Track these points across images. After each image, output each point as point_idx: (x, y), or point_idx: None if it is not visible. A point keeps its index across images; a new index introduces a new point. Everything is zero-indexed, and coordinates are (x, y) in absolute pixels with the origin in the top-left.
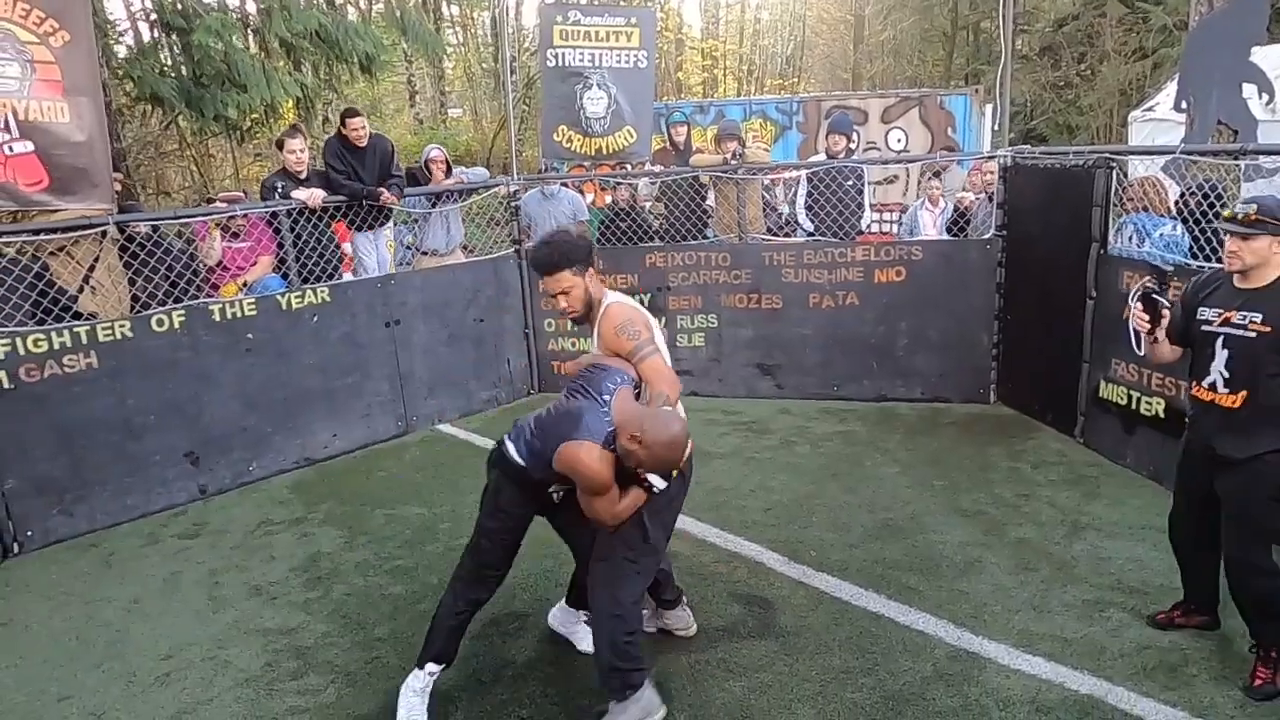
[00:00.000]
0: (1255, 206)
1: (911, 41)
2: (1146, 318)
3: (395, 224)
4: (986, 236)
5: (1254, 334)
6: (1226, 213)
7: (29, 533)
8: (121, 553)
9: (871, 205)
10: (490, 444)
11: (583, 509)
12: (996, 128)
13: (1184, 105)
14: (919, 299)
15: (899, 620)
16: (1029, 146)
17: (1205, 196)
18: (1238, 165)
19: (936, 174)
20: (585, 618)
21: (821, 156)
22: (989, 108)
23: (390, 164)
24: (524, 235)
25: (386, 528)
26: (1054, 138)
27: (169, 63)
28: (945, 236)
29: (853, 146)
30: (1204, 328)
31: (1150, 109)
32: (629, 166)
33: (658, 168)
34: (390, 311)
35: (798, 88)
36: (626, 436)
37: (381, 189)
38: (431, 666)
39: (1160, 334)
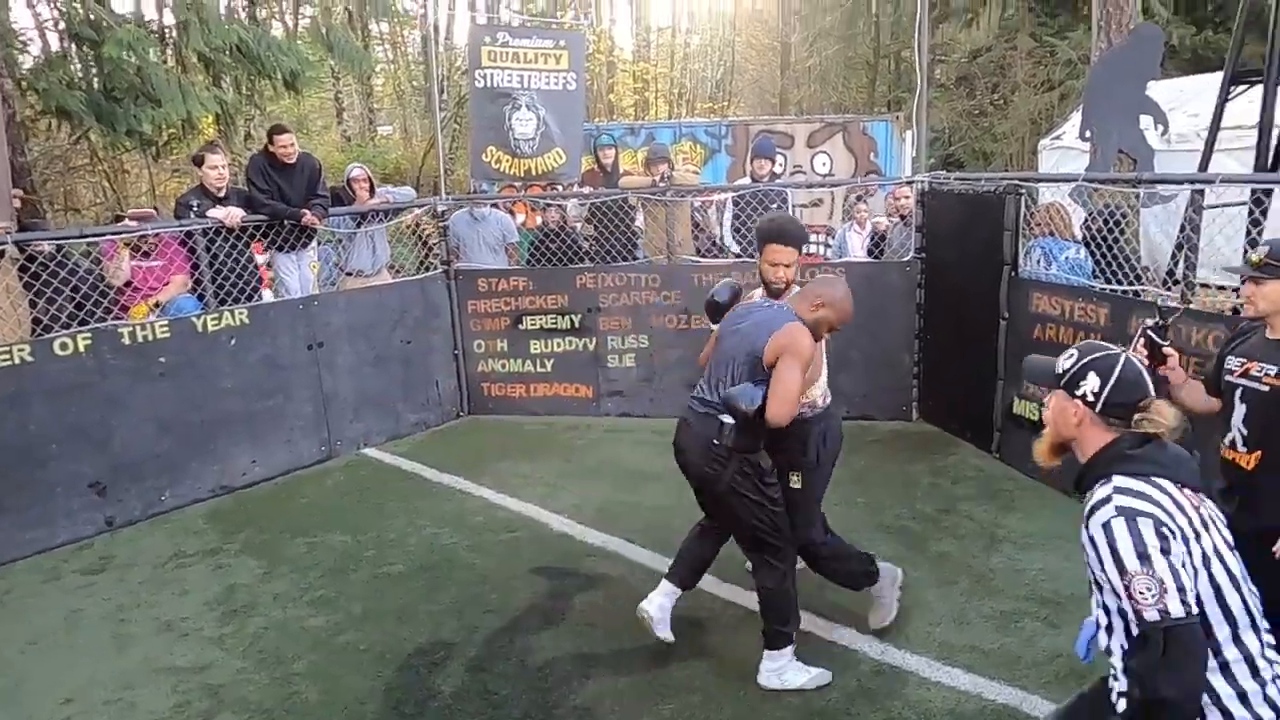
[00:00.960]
0: (1267, 250)
1: (836, 69)
2: (1145, 353)
3: (320, 244)
4: (906, 259)
5: (1267, 388)
6: (1249, 256)
7: None
8: (18, 590)
9: None
10: (417, 467)
11: (774, 401)
12: (915, 154)
13: (1088, 135)
14: None
15: (825, 637)
16: (944, 172)
17: (1106, 221)
18: (1136, 192)
19: (861, 197)
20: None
21: (747, 180)
22: (909, 134)
23: (316, 183)
24: (453, 256)
25: (308, 556)
26: (971, 163)
27: (79, 75)
28: (856, 258)
29: (777, 170)
30: (1226, 378)
31: (1058, 137)
32: (560, 187)
33: (587, 189)
34: (314, 333)
35: (727, 111)
36: (811, 306)
37: (304, 210)
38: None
39: (1174, 375)
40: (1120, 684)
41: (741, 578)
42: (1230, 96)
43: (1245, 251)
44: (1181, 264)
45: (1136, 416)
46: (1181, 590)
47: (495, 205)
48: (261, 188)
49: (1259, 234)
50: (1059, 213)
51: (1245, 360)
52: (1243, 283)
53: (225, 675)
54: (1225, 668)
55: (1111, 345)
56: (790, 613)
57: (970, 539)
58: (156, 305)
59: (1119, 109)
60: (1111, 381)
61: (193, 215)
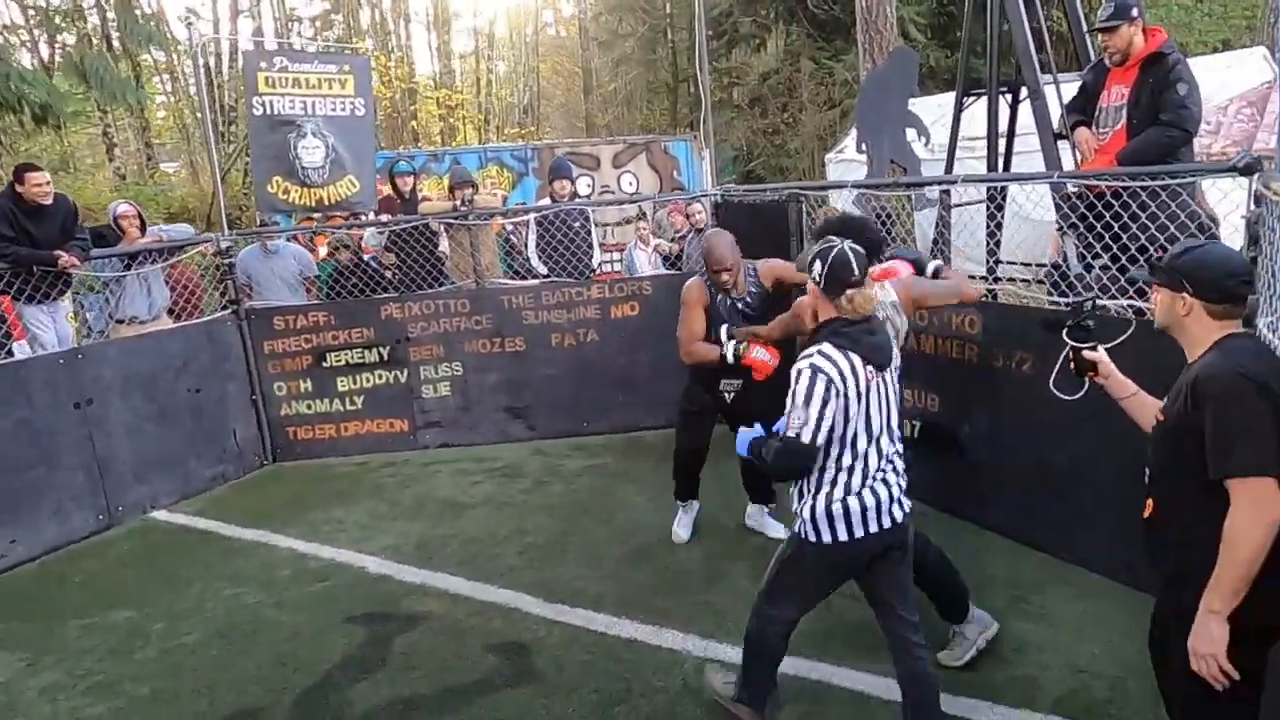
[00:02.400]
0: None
1: (640, 92)
2: (1073, 366)
3: (77, 293)
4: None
5: (1157, 421)
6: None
7: None
8: None
9: (605, 245)
10: (215, 525)
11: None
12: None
13: (863, 147)
14: (654, 330)
15: (651, 642)
16: (734, 185)
17: (881, 221)
18: (909, 195)
19: (644, 215)
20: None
21: (547, 201)
22: (707, 152)
23: (73, 225)
24: (243, 295)
25: (83, 640)
26: (771, 178)
27: None
28: (659, 271)
29: (585, 190)
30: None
31: (841, 151)
32: (363, 216)
33: (385, 217)
34: (80, 390)
35: (537, 135)
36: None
37: (59, 251)
38: None
39: (1113, 385)
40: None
41: (571, 596)
42: (964, 107)
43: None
44: (939, 257)
45: (842, 298)
46: (817, 430)
47: (294, 238)
48: (7, 235)
49: (996, 227)
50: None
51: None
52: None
53: None
54: (851, 469)
55: (843, 227)
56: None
57: (785, 530)
58: None
59: (887, 123)
60: (826, 266)
61: None
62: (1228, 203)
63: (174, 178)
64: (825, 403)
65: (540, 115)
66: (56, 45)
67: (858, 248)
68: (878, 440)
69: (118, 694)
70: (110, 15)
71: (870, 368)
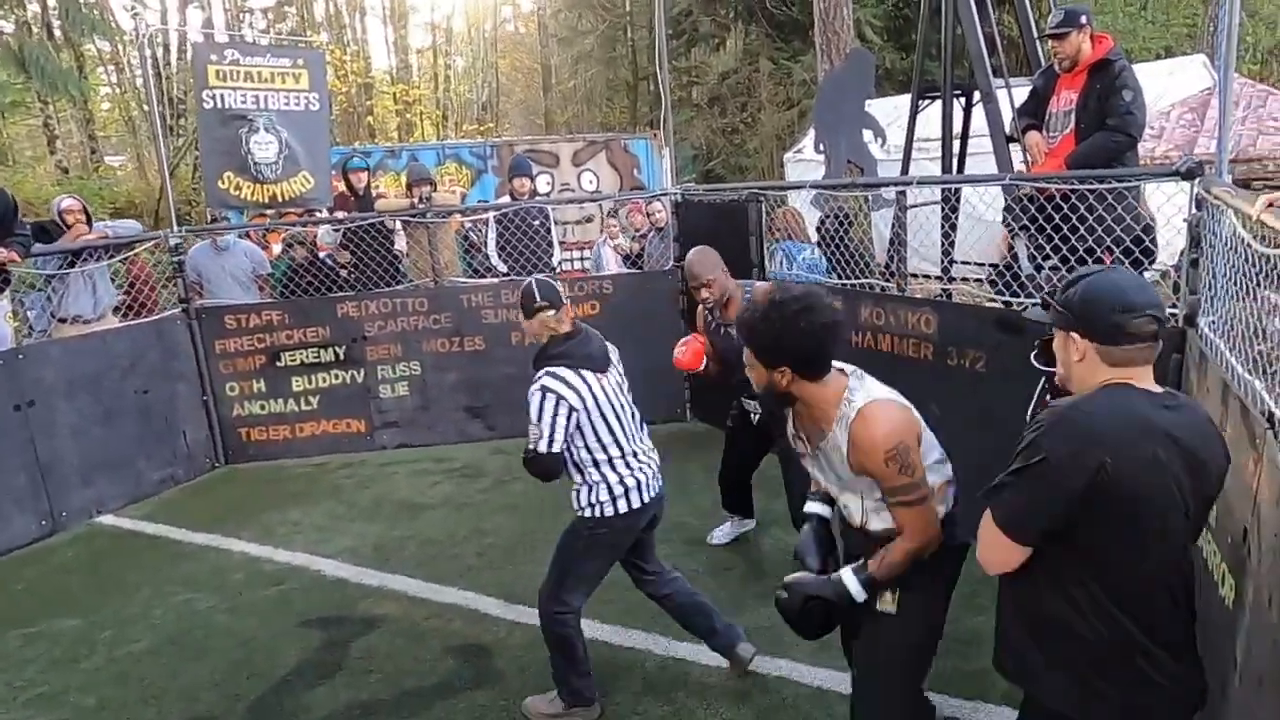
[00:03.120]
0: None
1: (600, 90)
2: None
3: (18, 290)
4: (667, 267)
5: None
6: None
7: None
8: None
9: (565, 244)
10: (164, 529)
11: None
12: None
13: (821, 148)
14: (614, 329)
15: (613, 642)
16: (694, 185)
17: (838, 223)
18: (866, 196)
19: (614, 213)
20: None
21: (507, 199)
22: (667, 150)
23: (12, 220)
24: (193, 293)
25: (25, 650)
26: (731, 177)
27: None
28: (620, 270)
29: (544, 188)
30: None
31: (799, 150)
32: (319, 213)
33: (341, 214)
34: (20, 392)
35: (496, 132)
36: None
37: None
38: None
39: None
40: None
41: (532, 597)
42: (919, 109)
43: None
44: (895, 257)
45: (535, 320)
46: (552, 440)
47: (247, 235)
48: None
49: (951, 228)
50: (794, 217)
51: None
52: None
53: None
54: (609, 461)
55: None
56: None
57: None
58: None
59: (844, 123)
60: (525, 295)
61: None
62: (1170, 206)
63: (119, 172)
64: (555, 415)
65: (499, 112)
66: None
67: (545, 280)
68: (624, 428)
69: (62, 705)
70: (51, 2)
71: (591, 373)
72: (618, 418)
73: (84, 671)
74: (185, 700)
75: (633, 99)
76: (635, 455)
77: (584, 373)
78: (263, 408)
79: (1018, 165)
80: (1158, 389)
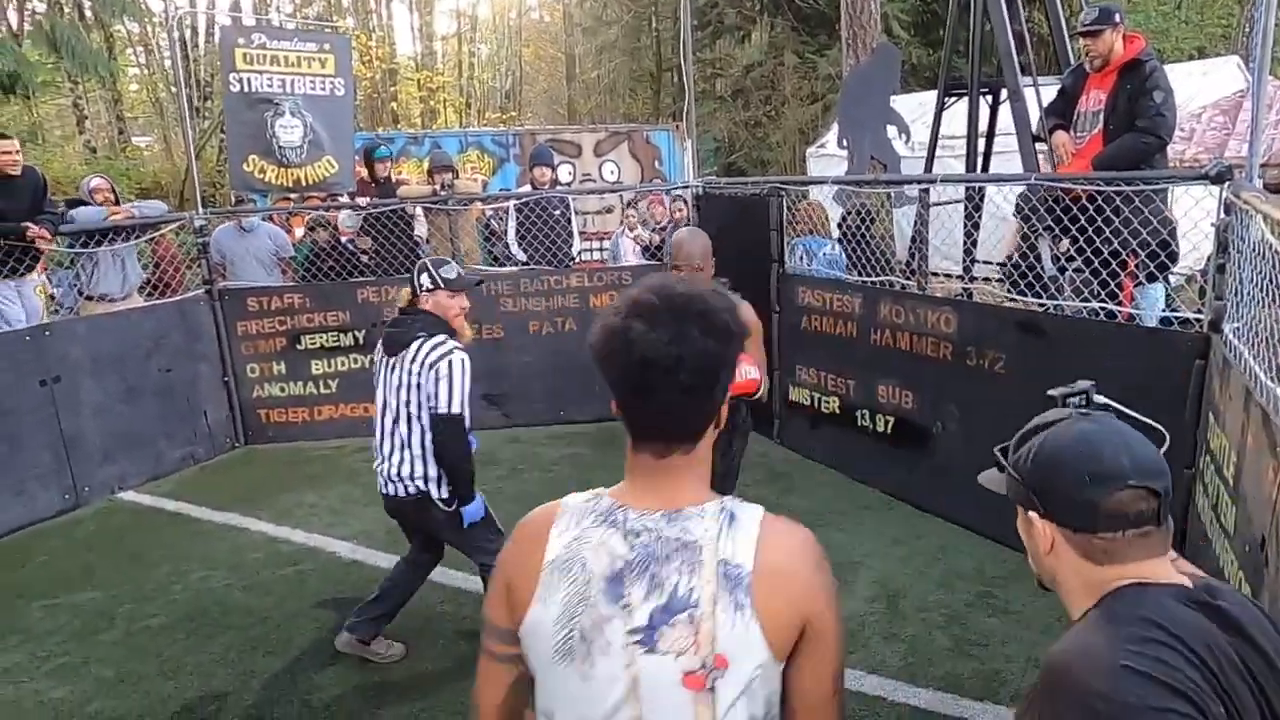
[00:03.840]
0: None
1: (623, 80)
2: None
3: (50, 267)
4: None
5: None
6: None
7: None
8: None
9: (584, 234)
10: (184, 507)
11: None
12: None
13: (844, 143)
14: None
15: None
16: (715, 177)
17: (860, 219)
18: (888, 192)
19: (632, 204)
20: None
21: (528, 188)
22: (689, 142)
23: (43, 198)
24: (216, 274)
25: (46, 621)
26: (752, 171)
27: None
28: (641, 261)
29: (566, 178)
30: None
31: (822, 145)
32: (341, 198)
33: (363, 200)
34: (47, 367)
35: (518, 121)
36: None
37: (28, 224)
38: None
39: None
40: (422, 471)
41: None
42: (945, 106)
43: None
44: (917, 255)
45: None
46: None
47: (270, 218)
48: None
49: (974, 227)
50: (816, 211)
51: None
52: None
53: None
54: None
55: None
56: None
57: None
58: None
59: (869, 119)
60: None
61: None
62: (1198, 210)
63: (146, 153)
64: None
65: (522, 100)
66: (26, 13)
67: (435, 260)
68: (379, 417)
69: (82, 676)
70: None
71: (383, 354)
72: (381, 404)
73: (104, 644)
74: (201, 675)
75: (656, 90)
76: (377, 448)
77: (379, 350)
78: (282, 390)
79: (1044, 166)
80: (1184, 577)
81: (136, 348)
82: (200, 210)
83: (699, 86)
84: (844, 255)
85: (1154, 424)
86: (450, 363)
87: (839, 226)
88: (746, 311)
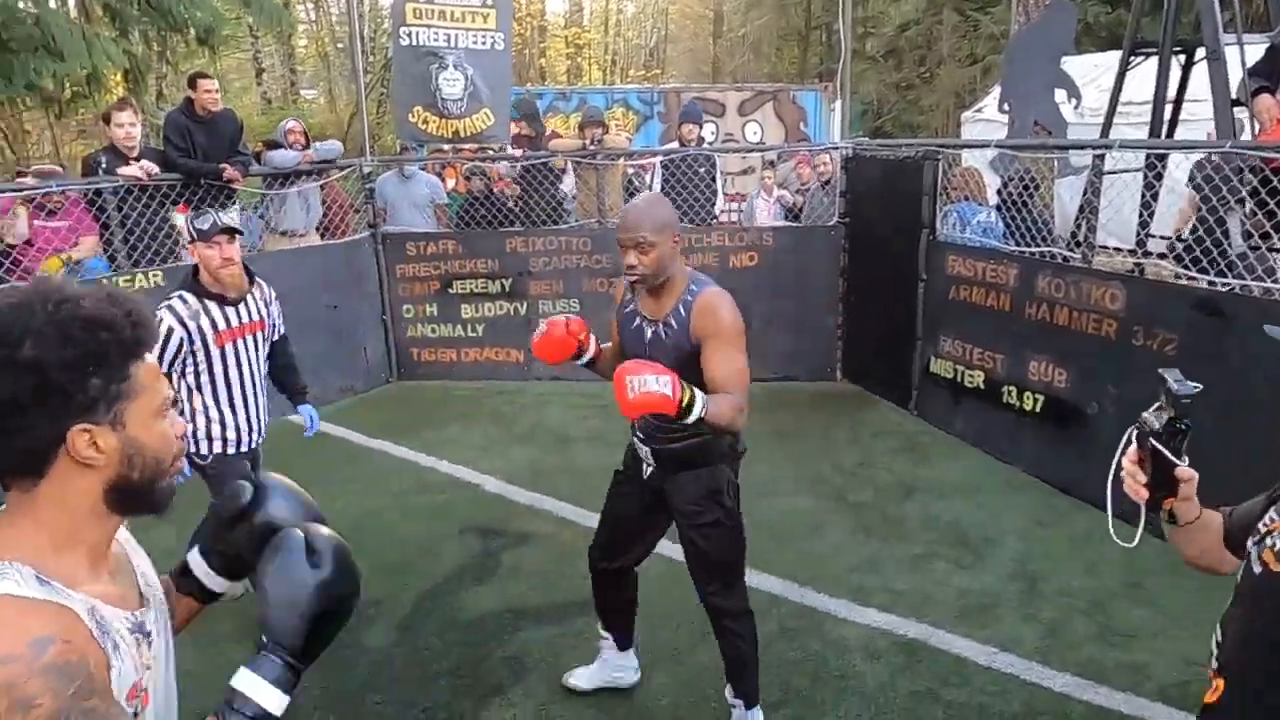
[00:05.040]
0: None
1: (769, 38)
2: (1143, 478)
3: (240, 206)
4: (831, 223)
5: (1259, 568)
6: None
7: None
8: None
9: (727, 195)
10: (344, 432)
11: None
12: (843, 123)
13: (1006, 107)
14: (771, 283)
15: (749, 585)
16: (867, 139)
17: (1020, 186)
18: (1051, 159)
19: (770, 165)
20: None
21: (676, 144)
22: (837, 104)
23: (238, 141)
24: (380, 218)
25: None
26: (899, 135)
27: None
28: (781, 223)
29: (706, 135)
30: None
31: (980, 110)
32: (494, 149)
33: (517, 152)
34: None
35: (661, 79)
36: None
37: (224, 165)
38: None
39: (1181, 506)
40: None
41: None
42: (1130, 67)
43: None
44: (1084, 226)
45: None
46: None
47: (426, 167)
48: (179, 145)
49: (1153, 198)
50: (974, 177)
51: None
52: None
53: None
54: None
55: None
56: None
57: (887, 489)
58: (69, 260)
59: (1035, 82)
60: None
61: (101, 174)
62: None
63: (312, 105)
64: None
65: (666, 59)
66: None
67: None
68: None
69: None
70: None
71: None
72: None
73: None
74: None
75: (803, 49)
76: None
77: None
78: (433, 331)
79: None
80: None
81: (310, 284)
82: (368, 157)
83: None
84: (1001, 223)
85: None
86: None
87: (999, 194)
88: (706, 308)
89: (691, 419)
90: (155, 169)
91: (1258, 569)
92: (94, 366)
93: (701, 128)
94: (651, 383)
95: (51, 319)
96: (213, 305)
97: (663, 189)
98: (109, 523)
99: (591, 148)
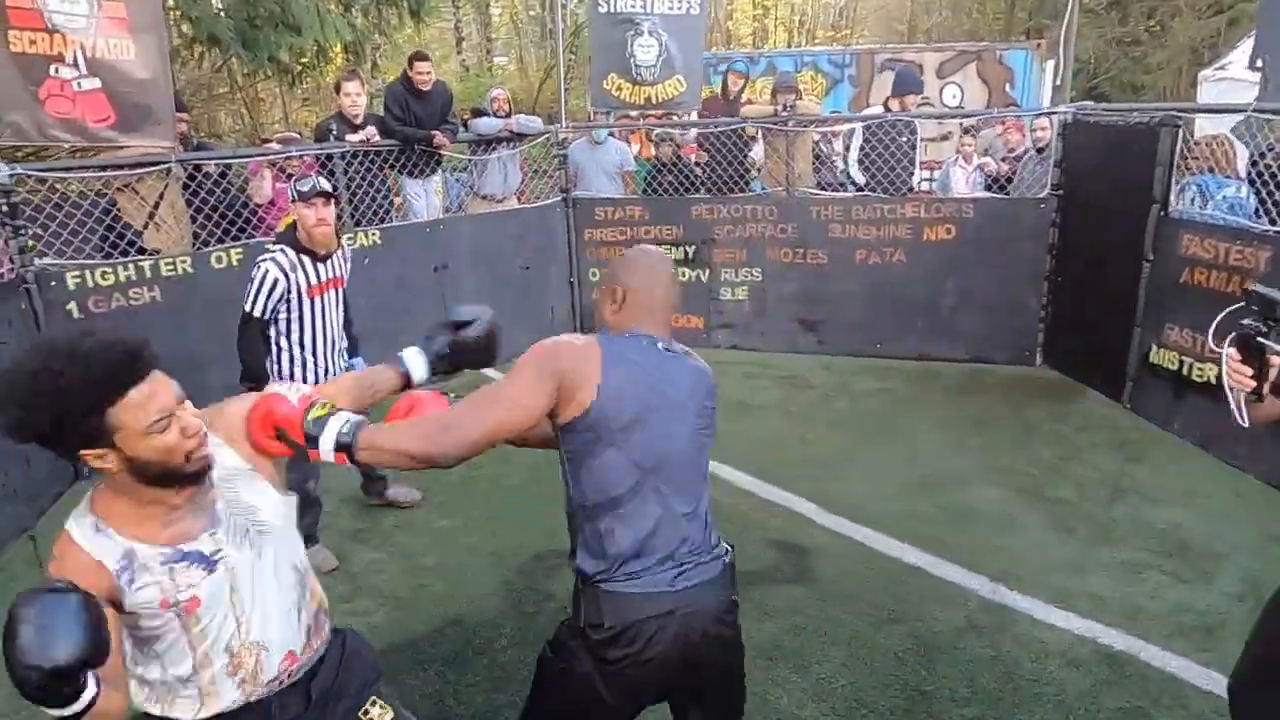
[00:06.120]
0: None
1: None
2: (1249, 371)
3: (445, 171)
4: (1041, 195)
5: None
6: None
7: None
8: None
9: (922, 163)
10: None
11: None
12: (1059, 83)
13: (1259, 64)
14: (968, 258)
15: (932, 572)
16: (1091, 103)
17: (1278, 157)
18: None
19: (968, 131)
20: None
21: (878, 109)
22: (1050, 64)
23: (448, 110)
24: (571, 184)
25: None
26: (1118, 97)
27: (223, 4)
28: (982, 194)
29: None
30: None
31: (1223, 67)
32: (678, 116)
33: (710, 117)
34: (439, 256)
35: (850, 40)
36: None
37: (435, 132)
38: None
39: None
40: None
41: (850, 511)
42: None
43: None
44: None
45: None
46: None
47: (614, 134)
48: (397, 115)
49: None
50: (1223, 146)
51: None
52: None
53: (361, 565)
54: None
55: None
56: None
57: (1092, 487)
58: None
59: None
60: None
61: (331, 139)
62: None
63: (503, 71)
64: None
65: (855, 17)
66: None
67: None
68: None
69: (458, 514)
70: None
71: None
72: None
73: (474, 494)
74: (546, 533)
75: (1010, 3)
76: None
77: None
78: None
79: None
80: None
81: (505, 245)
82: (564, 124)
83: None
84: (1253, 200)
85: None
86: (256, 266)
87: (1252, 166)
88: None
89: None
90: (377, 135)
91: None
92: (75, 421)
93: (915, 100)
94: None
95: (39, 390)
96: (306, 260)
97: (859, 158)
98: (158, 490)
99: (784, 114)
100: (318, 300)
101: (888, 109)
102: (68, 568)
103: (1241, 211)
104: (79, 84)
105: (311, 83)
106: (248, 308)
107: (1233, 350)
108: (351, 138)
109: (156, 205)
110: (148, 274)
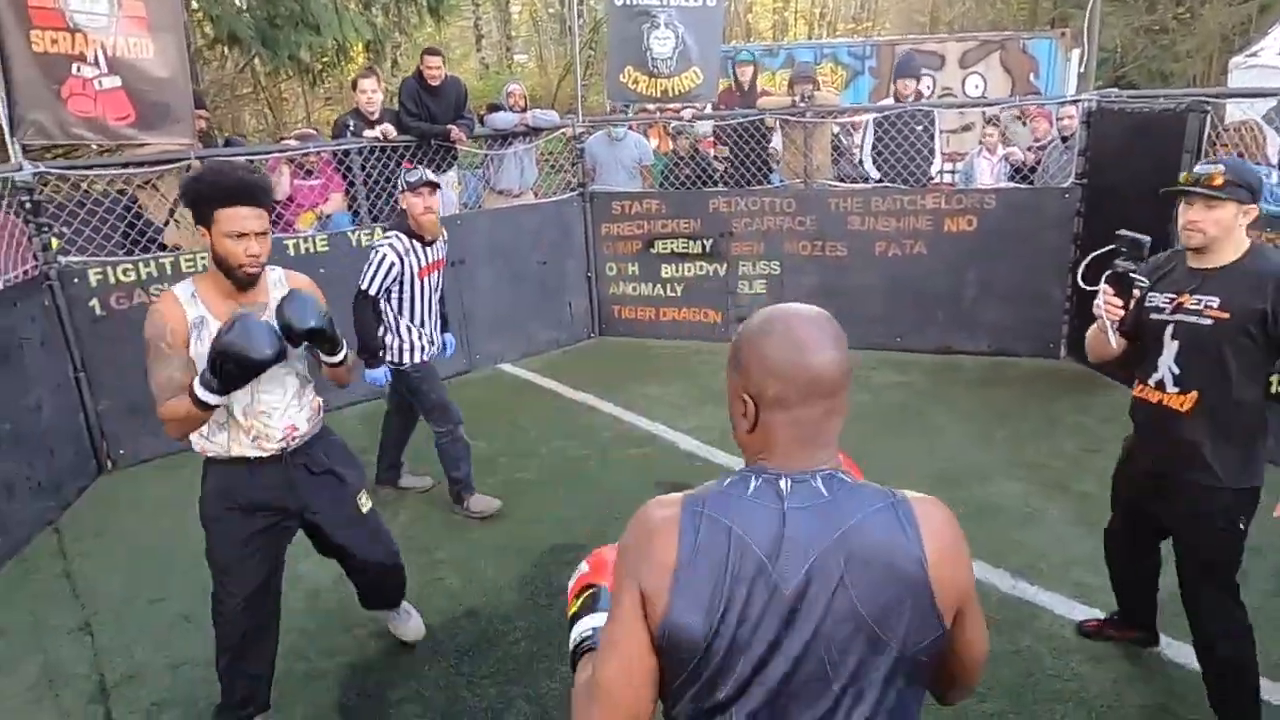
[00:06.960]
0: (1221, 168)
1: None
2: (1119, 304)
3: (460, 167)
4: (1065, 185)
5: (1210, 321)
6: (1185, 176)
7: (121, 450)
8: None
9: (944, 154)
10: (550, 383)
11: None
12: (1083, 71)
13: None
14: (989, 249)
15: None
16: (1115, 90)
17: None
18: None
19: (991, 121)
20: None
21: (890, 101)
22: (1075, 53)
23: (463, 105)
24: (588, 179)
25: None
26: (1146, 85)
27: (244, 4)
28: (1005, 184)
29: (923, 90)
30: (1153, 316)
31: (1254, 54)
32: (695, 108)
33: (723, 110)
34: (454, 251)
35: (871, 31)
36: None
37: (450, 126)
38: None
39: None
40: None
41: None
42: None
43: (1196, 172)
44: None
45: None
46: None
47: (631, 127)
48: (411, 110)
49: None
50: (1253, 132)
51: (1175, 295)
52: (1186, 205)
53: None
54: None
55: None
56: None
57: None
58: (320, 215)
59: None
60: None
61: (349, 136)
62: None
63: (523, 68)
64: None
65: (877, 9)
66: None
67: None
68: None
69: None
70: None
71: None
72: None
73: (490, 485)
74: (561, 527)
75: None
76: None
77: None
78: (634, 289)
79: None
80: None
81: (522, 241)
82: (580, 118)
83: None
84: None
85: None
86: (375, 250)
87: None
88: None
89: None
90: (393, 131)
91: (1207, 321)
92: (201, 205)
93: (919, 82)
94: None
95: (197, 178)
96: (417, 245)
97: (874, 149)
98: (229, 282)
99: (801, 105)
100: (425, 280)
101: (898, 100)
102: (163, 310)
103: (1273, 199)
104: (100, 82)
105: (333, 81)
106: (364, 286)
107: (1108, 285)
108: (367, 134)
109: (177, 202)
110: (169, 270)
